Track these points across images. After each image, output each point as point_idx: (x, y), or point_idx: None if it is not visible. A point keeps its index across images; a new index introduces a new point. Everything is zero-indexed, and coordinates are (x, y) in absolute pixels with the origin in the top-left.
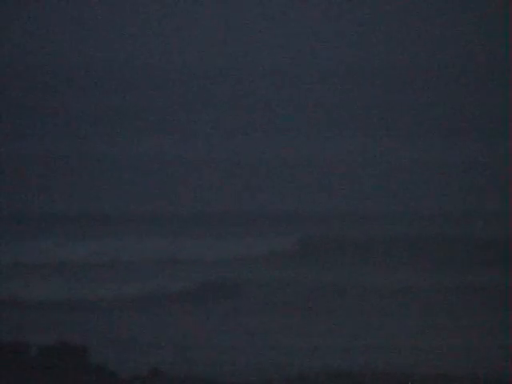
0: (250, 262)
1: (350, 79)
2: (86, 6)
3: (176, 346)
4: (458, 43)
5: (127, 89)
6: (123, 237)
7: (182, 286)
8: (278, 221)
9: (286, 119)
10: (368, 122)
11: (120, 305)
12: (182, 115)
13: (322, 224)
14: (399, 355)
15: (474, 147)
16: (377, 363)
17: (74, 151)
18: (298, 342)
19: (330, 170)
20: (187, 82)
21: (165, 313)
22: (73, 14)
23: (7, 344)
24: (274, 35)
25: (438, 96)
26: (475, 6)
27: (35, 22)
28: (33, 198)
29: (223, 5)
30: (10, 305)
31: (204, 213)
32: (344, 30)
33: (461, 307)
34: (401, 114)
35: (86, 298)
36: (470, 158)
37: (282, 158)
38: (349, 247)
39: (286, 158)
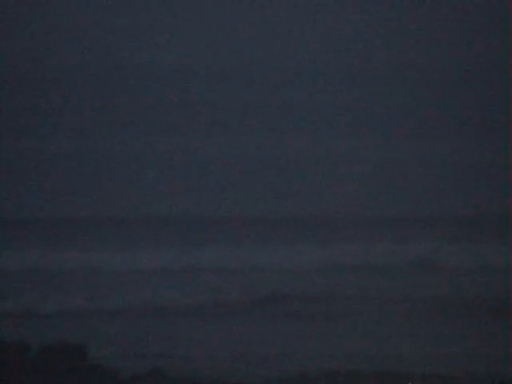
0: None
1: (353, 79)
2: (87, 5)
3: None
4: (458, 42)
5: (129, 88)
6: (220, 243)
7: (264, 295)
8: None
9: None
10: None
11: (209, 313)
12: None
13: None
14: None
15: (474, 147)
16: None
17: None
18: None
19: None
20: (190, 81)
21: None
22: (72, 12)
23: (7, 344)
24: (275, 35)
25: (438, 96)
26: (475, 5)
27: (35, 20)
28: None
29: (225, 5)
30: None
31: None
32: (344, 29)
33: None
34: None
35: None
36: (472, 159)
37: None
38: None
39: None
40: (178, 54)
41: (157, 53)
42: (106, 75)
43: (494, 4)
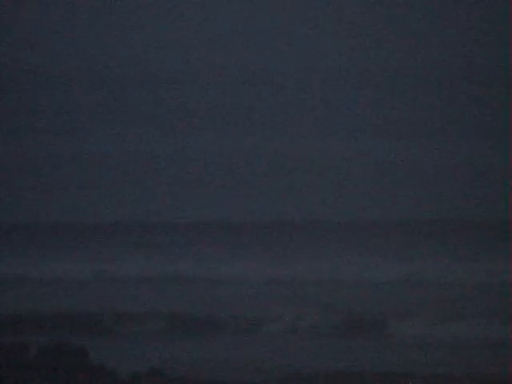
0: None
1: (353, 80)
2: (87, 5)
3: None
4: (458, 43)
5: (129, 88)
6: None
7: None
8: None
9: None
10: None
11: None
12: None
13: None
14: None
15: (474, 148)
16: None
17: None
18: None
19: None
20: (190, 81)
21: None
22: (71, 12)
23: (7, 344)
24: (275, 35)
25: (438, 97)
26: (475, 5)
27: (35, 19)
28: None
29: (226, 5)
30: None
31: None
32: (343, 30)
33: None
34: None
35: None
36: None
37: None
38: None
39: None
40: (175, 54)
41: (151, 53)
42: (99, 75)
43: (494, 4)
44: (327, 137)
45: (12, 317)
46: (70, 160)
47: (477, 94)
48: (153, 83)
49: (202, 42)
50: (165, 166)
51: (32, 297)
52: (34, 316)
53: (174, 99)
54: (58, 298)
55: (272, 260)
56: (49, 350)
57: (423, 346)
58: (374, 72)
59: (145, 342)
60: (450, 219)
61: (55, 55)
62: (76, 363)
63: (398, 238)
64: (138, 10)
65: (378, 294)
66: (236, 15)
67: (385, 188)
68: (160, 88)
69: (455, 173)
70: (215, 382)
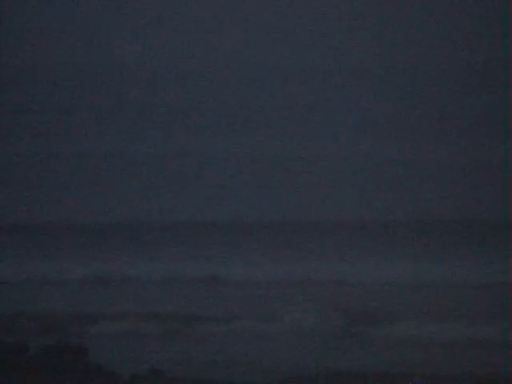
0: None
1: (353, 80)
2: (88, 5)
3: None
4: (458, 42)
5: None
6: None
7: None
8: None
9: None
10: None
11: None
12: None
13: None
14: None
15: (474, 148)
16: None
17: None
18: None
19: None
20: (190, 80)
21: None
22: (71, 12)
23: (7, 344)
24: (275, 35)
25: (437, 97)
26: (475, 5)
27: (35, 19)
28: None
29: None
30: None
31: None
32: (343, 30)
33: None
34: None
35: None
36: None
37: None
38: None
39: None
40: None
41: (151, 52)
42: (99, 75)
43: (494, 4)
44: (327, 137)
45: (12, 317)
46: (69, 160)
47: (477, 93)
48: (153, 83)
49: (202, 41)
50: (165, 166)
51: (32, 297)
52: (34, 316)
53: (175, 99)
54: (58, 298)
55: (272, 260)
56: (49, 349)
57: (423, 346)
58: (373, 72)
59: (144, 342)
60: (450, 219)
61: (56, 55)
62: (76, 363)
63: (399, 238)
64: (138, 9)
65: (379, 293)
66: (236, 15)
67: (385, 188)
68: (160, 88)
69: (455, 173)
70: (215, 382)
